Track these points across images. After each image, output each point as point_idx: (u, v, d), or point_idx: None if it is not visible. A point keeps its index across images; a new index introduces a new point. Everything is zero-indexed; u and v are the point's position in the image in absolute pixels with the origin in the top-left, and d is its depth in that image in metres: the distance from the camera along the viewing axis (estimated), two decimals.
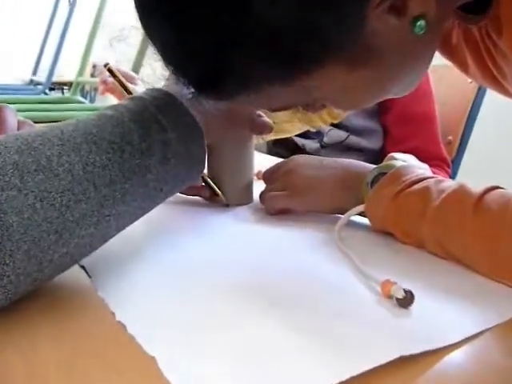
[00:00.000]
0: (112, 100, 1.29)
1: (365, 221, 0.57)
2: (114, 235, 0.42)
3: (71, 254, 0.37)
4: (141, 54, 1.92)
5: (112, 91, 1.17)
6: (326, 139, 1.14)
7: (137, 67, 1.92)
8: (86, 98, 3.47)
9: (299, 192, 0.60)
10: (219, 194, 0.64)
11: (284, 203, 0.61)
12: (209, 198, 0.65)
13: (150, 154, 0.42)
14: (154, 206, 0.46)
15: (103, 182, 0.38)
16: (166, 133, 0.44)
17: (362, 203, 0.55)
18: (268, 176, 0.67)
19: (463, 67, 0.53)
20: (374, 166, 0.58)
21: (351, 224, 0.57)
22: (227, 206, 0.65)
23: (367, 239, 0.54)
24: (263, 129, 0.61)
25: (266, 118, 0.61)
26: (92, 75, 3.71)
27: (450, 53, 0.53)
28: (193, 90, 0.38)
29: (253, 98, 0.38)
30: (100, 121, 0.42)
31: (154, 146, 0.42)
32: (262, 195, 0.65)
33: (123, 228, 0.43)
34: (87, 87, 3.72)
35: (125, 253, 0.47)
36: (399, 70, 0.41)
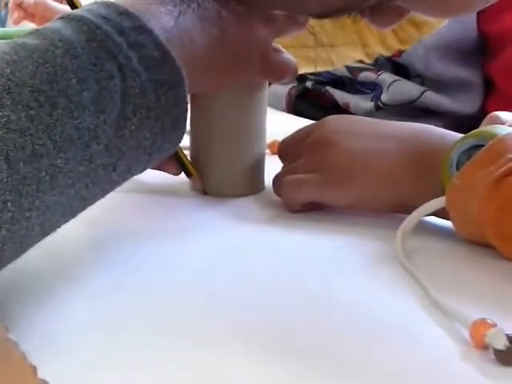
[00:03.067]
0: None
1: (445, 224, 0.57)
2: (37, 241, 0.42)
3: None
4: None
5: (32, 17, 1.18)
6: (385, 96, 1.14)
7: None
8: None
9: (338, 176, 0.60)
10: (193, 173, 0.65)
11: (313, 193, 0.61)
12: (176, 174, 0.66)
13: (97, 111, 0.42)
14: (103, 194, 0.46)
15: (22, 155, 0.39)
16: (123, 76, 0.44)
17: (441, 195, 0.55)
18: (287, 149, 0.67)
19: None
20: (463, 134, 0.57)
21: (423, 229, 0.57)
22: (205, 194, 0.65)
23: (448, 253, 0.54)
24: (283, 71, 0.61)
25: (287, 55, 0.61)
26: None
27: None
28: None
29: None
30: (17, 55, 0.42)
31: (103, 98, 0.43)
32: (276, 180, 0.64)
33: (52, 230, 0.43)
34: None
35: (53, 272, 0.48)
36: None
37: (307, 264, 0.53)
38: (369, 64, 1.07)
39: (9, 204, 0.38)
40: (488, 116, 0.69)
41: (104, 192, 0.46)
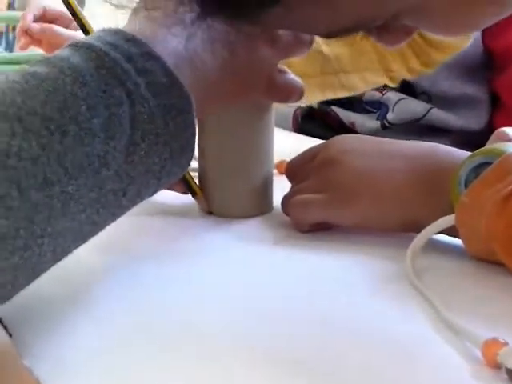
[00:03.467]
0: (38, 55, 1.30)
1: (455, 242, 0.57)
2: (49, 267, 0.43)
3: None
4: None
5: (39, 43, 1.19)
6: (391, 115, 1.14)
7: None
8: None
9: (345, 196, 0.60)
10: (198, 193, 0.65)
11: (321, 214, 0.61)
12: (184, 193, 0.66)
13: (107, 137, 0.43)
14: (113, 219, 0.46)
15: (33, 183, 0.39)
16: (132, 102, 0.44)
17: (450, 213, 0.55)
18: (295, 170, 0.67)
19: None
20: (470, 152, 0.57)
21: (432, 248, 0.57)
22: (210, 213, 0.66)
23: (458, 271, 0.54)
24: (289, 92, 0.61)
25: (292, 76, 0.61)
26: (11, 5, 3.73)
27: None
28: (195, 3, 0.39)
29: (294, 9, 0.38)
30: (27, 84, 0.42)
31: (113, 124, 0.43)
32: (285, 200, 0.65)
33: (64, 256, 0.43)
34: (1, 26, 3.75)
35: (64, 298, 0.48)
36: None
37: (316, 284, 0.53)
38: None
39: (21, 231, 0.38)
40: (495, 132, 0.69)
41: (114, 217, 0.46)
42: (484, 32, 1.09)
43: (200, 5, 0.40)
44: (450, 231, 0.56)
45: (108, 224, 0.46)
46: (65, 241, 0.42)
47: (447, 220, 0.55)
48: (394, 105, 1.13)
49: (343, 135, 0.66)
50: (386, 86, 1.09)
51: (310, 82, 0.86)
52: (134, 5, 0.51)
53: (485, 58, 1.14)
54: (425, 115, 1.14)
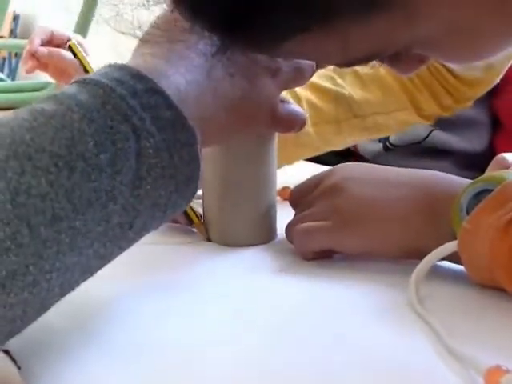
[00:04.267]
0: (42, 78, 1.31)
1: (458, 268, 0.57)
2: (57, 301, 0.43)
3: None
4: (91, 3, 1.93)
5: (45, 67, 1.20)
6: (393, 137, 1.15)
7: (84, 25, 1.93)
8: (1, 71, 3.51)
9: (350, 223, 0.61)
10: (195, 221, 0.66)
11: (324, 241, 0.62)
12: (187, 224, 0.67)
13: (113, 172, 0.43)
14: (119, 252, 0.47)
15: (42, 219, 0.39)
16: (138, 137, 0.45)
17: (453, 239, 0.55)
18: (299, 197, 0.68)
19: None
20: (471, 180, 0.58)
21: (436, 274, 0.57)
22: (209, 241, 0.67)
23: (461, 298, 0.55)
24: (291, 123, 0.61)
25: (294, 106, 0.62)
26: (13, 32, 3.76)
27: None
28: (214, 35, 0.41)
29: (307, 43, 0.40)
30: (36, 121, 0.43)
31: (119, 159, 0.44)
32: (289, 228, 0.65)
33: (71, 289, 0.44)
34: (3, 52, 3.76)
35: (71, 329, 0.49)
36: None
37: (320, 311, 0.53)
38: None
39: (31, 267, 0.39)
40: (495, 158, 0.70)
41: (121, 250, 0.46)
42: None
43: (220, 38, 0.42)
44: (453, 257, 0.56)
45: (114, 257, 0.46)
46: (72, 275, 0.43)
47: (450, 246, 0.55)
48: None
49: (346, 163, 0.66)
50: None
51: (343, 126, 0.88)
52: (138, 32, 0.52)
53: None
54: (427, 137, 1.14)
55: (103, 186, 0.43)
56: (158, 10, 0.49)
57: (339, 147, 0.92)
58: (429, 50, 0.46)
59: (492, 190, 0.55)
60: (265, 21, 0.39)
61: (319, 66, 0.61)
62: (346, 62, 0.45)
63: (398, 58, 0.47)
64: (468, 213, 0.56)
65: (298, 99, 0.84)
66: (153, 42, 0.53)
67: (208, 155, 0.63)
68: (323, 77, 0.89)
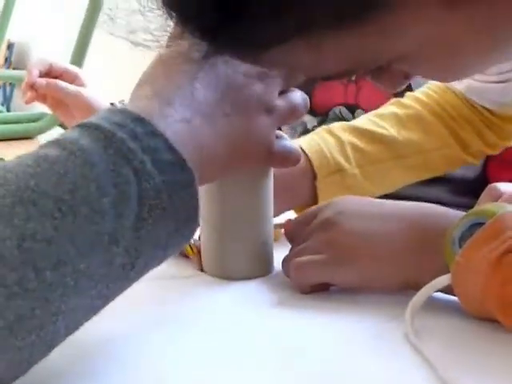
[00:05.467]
0: (38, 107, 1.32)
1: (453, 299, 0.58)
2: (60, 342, 0.44)
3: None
4: (86, 33, 1.92)
5: (43, 98, 1.21)
6: None
7: (79, 55, 1.92)
8: None
9: (344, 258, 0.61)
10: (189, 253, 0.67)
11: (320, 275, 0.62)
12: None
13: (116, 215, 0.44)
14: (121, 291, 0.47)
15: (48, 263, 0.40)
16: (139, 180, 0.46)
17: (446, 272, 0.56)
18: (295, 231, 0.68)
19: None
20: (462, 212, 0.59)
21: (431, 306, 0.57)
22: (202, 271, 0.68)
23: (456, 329, 0.55)
24: (287, 158, 0.62)
25: (289, 142, 0.63)
26: (7, 60, 3.77)
27: None
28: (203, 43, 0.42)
29: (288, 53, 0.41)
30: (39, 167, 0.44)
31: (121, 202, 0.45)
32: (285, 262, 0.66)
33: (76, 329, 0.45)
34: None
35: (71, 367, 0.49)
36: None
37: (316, 344, 0.53)
38: None
39: (37, 311, 0.39)
40: (487, 187, 0.70)
41: (122, 289, 0.47)
42: None
43: (208, 43, 0.43)
44: (448, 289, 0.57)
45: (116, 296, 0.47)
46: (76, 316, 0.43)
47: (443, 280, 0.56)
48: None
49: (341, 197, 0.67)
50: None
51: (388, 166, 0.89)
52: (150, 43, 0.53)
53: None
54: None
55: (106, 229, 0.44)
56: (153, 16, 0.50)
57: (388, 189, 0.91)
58: (408, 65, 0.47)
59: (484, 223, 0.56)
60: (245, 29, 0.41)
61: (305, 77, 0.63)
62: (323, 75, 0.46)
63: (380, 74, 0.48)
64: (460, 246, 0.56)
65: (340, 143, 0.86)
66: (150, 83, 0.55)
67: (205, 188, 0.64)
68: (364, 120, 0.91)
